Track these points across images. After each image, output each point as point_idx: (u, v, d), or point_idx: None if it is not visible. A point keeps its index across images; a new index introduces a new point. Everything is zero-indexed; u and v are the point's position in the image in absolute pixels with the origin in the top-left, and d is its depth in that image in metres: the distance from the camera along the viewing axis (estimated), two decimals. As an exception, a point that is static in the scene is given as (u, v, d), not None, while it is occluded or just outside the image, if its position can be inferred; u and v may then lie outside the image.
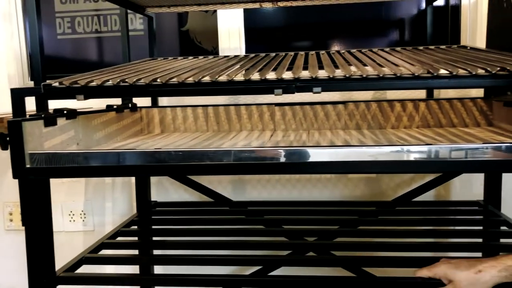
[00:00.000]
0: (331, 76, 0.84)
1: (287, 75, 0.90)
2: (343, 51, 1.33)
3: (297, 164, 0.82)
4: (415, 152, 0.82)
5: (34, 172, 0.89)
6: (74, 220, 1.76)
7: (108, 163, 0.88)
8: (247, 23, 1.71)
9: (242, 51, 1.70)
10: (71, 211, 1.76)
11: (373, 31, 1.71)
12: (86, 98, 0.88)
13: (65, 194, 1.75)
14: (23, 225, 0.95)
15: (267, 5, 1.42)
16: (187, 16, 1.76)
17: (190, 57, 1.44)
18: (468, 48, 1.30)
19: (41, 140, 0.94)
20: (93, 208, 1.76)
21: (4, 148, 0.93)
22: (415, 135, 1.19)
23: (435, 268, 0.86)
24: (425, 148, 0.81)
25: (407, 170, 0.91)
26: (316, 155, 0.82)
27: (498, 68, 0.83)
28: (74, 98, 0.89)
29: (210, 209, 1.52)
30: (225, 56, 1.41)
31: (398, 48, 1.37)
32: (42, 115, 0.95)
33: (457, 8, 1.61)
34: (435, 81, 0.84)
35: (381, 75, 0.84)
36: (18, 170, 0.88)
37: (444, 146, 0.81)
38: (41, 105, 0.95)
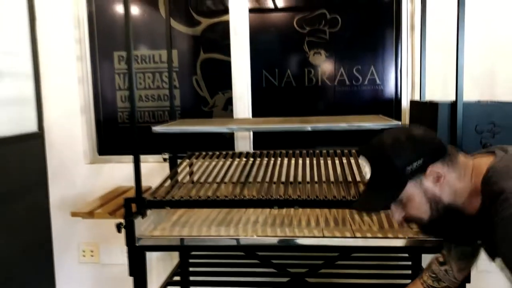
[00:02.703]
0: (302, 199, 1.56)
1: (280, 192, 1.63)
2: (311, 151, 2.05)
3: (286, 247, 1.54)
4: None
5: (139, 248, 1.61)
6: (130, 256, 2.48)
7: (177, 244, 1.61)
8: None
9: (251, 138, 2.42)
10: (127, 250, 2.48)
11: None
12: (171, 208, 1.60)
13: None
14: (130, 275, 1.66)
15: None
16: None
17: (217, 152, 2.16)
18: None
19: (140, 226, 1.66)
20: (143, 248, 2.48)
21: (119, 232, 1.65)
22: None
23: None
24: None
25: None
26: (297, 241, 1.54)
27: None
28: (164, 208, 1.62)
29: (229, 254, 2.24)
30: (240, 153, 2.12)
31: (346, 151, 2.07)
32: (141, 212, 1.66)
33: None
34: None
35: (330, 199, 1.56)
36: (131, 246, 1.60)
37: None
38: (141, 206, 1.66)
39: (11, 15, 2.25)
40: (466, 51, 1.55)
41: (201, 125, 1.77)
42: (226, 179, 1.84)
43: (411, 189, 1.07)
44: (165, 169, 2.30)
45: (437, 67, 2.16)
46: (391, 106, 2.34)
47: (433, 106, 1.65)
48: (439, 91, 2.15)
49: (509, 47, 2.17)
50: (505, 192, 0.97)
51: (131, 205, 1.65)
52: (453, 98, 1.58)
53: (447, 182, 1.08)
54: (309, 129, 1.68)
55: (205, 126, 1.75)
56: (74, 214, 1.76)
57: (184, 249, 1.87)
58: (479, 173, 1.07)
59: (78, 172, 2.49)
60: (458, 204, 1.09)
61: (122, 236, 2.55)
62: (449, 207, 1.08)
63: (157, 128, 1.73)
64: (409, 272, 2.16)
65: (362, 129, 1.68)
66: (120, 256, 2.49)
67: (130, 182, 2.34)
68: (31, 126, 2.39)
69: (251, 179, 1.83)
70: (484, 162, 1.09)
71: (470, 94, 1.76)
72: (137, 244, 1.60)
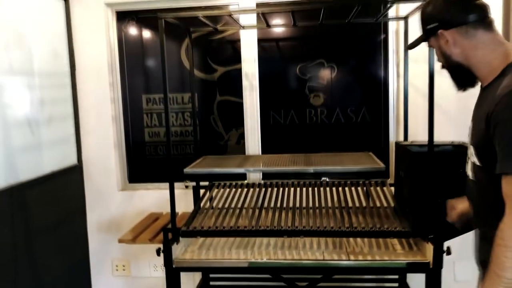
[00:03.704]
0: (306, 229, 1.96)
1: (289, 223, 2.02)
2: (313, 182, 2.45)
3: (293, 268, 1.94)
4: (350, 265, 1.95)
5: (175, 269, 2.00)
6: (157, 270, 2.88)
7: (205, 266, 2.01)
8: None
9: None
10: (155, 264, 2.87)
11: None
12: (202, 237, 2.00)
13: (153, 255, 2.86)
14: (167, 289, 2.05)
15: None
16: (226, 146, 2.89)
17: (233, 182, 2.56)
18: (385, 188, 2.40)
19: (176, 250, 2.06)
20: (168, 263, 2.88)
21: (158, 255, 2.05)
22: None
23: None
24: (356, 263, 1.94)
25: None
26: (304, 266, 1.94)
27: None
28: (195, 237, 2.01)
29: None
30: (253, 185, 2.52)
31: (343, 182, 2.47)
32: (176, 239, 2.06)
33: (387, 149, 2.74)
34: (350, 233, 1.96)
35: (328, 229, 1.96)
36: (168, 267, 2.00)
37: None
38: (176, 235, 2.06)
39: (55, 66, 2.65)
40: (444, 93, 1.97)
41: (223, 166, 2.17)
42: (245, 207, 2.25)
43: (432, 41, 1.46)
44: (187, 194, 2.71)
45: (419, 109, 2.55)
46: (381, 143, 2.74)
47: (406, 151, 2.04)
48: (421, 130, 2.54)
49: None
50: None
51: (168, 234, 2.04)
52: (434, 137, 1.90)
53: (460, 46, 1.37)
54: (312, 171, 2.08)
55: (227, 168, 2.15)
56: (120, 241, 2.15)
57: (210, 270, 2.28)
58: (509, 57, 1.32)
59: (111, 198, 2.89)
60: (469, 66, 1.39)
61: (149, 253, 2.94)
62: (459, 65, 1.41)
63: (188, 170, 2.13)
64: (396, 285, 2.56)
65: (352, 171, 2.09)
66: (147, 269, 2.89)
67: (156, 206, 2.77)
68: (71, 160, 2.79)
69: (265, 205, 2.24)
70: None
71: (447, 133, 2.19)
72: (173, 266, 2.00)
